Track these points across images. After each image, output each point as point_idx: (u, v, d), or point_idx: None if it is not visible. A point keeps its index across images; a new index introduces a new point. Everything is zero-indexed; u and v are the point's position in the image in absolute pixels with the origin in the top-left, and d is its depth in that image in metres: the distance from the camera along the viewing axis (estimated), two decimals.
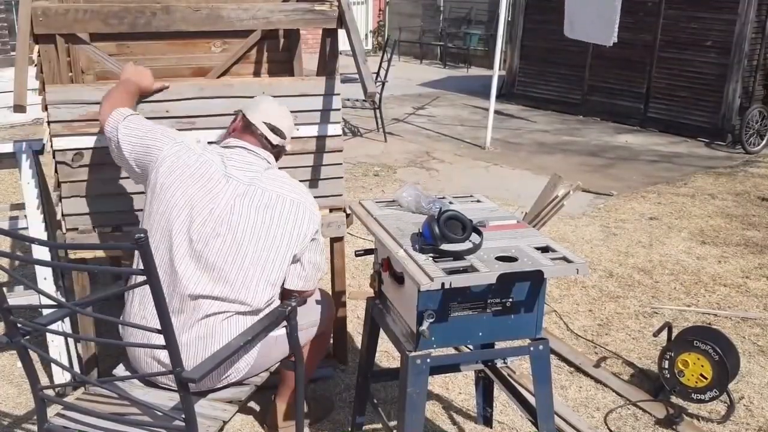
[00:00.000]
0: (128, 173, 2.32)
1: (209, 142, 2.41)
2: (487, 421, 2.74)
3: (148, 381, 2.13)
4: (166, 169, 2.12)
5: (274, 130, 2.27)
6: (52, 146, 2.55)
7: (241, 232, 2.08)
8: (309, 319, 2.38)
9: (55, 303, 2.01)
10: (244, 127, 2.27)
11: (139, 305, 2.08)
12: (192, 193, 2.09)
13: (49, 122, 2.53)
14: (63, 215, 2.59)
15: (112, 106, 2.29)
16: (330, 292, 2.98)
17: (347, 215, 2.85)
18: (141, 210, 2.64)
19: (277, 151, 2.31)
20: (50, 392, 2.18)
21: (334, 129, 2.83)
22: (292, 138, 2.41)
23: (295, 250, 2.16)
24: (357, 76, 2.62)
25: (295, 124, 2.76)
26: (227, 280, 2.06)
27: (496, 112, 7.62)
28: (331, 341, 3.10)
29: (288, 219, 2.14)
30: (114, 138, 2.23)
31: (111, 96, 2.36)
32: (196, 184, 2.10)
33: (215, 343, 2.04)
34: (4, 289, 1.81)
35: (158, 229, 2.07)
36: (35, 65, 2.60)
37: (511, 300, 1.96)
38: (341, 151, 2.86)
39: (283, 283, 2.20)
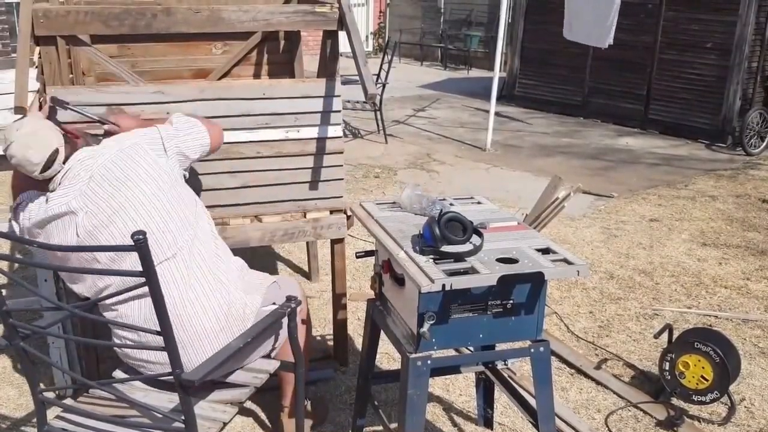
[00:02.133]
0: None
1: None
2: (488, 422, 2.73)
3: (149, 381, 2.12)
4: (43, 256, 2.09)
5: (48, 167, 2.04)
6: None
7: (122, 221, 2.02)
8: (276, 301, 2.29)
9: (55, 305, 2.01)
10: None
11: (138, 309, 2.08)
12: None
13: None
14: None
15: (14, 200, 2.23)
16: (330, 294, 2.98)
17: (348, 217, 2.85)
18: None
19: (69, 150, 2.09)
20: (50, 394, 2.18)
21: (334, 131, 2.83)
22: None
23: (160, 175, 2.10)
24: (357, 77, 2.62)
25: (296, 126, 2.77)
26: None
27: (497, 113, 7.62)
28: (331, 342, 3.10)
29: (133, 168, 2.06)
30: None
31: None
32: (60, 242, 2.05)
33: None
34: (4, 291, 1.81)
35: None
36: (36, 67, 2.60)
37: (511, 302, 1.95)
38: (342, 152, 2.86)
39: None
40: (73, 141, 2.13)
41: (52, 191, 2.08)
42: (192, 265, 2.08)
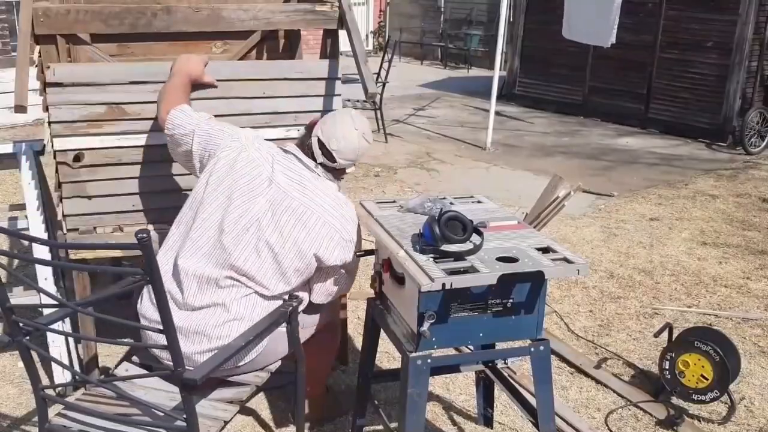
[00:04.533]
0: (185, 167, 2.40)
1: (267, 139, 2.44)
2: (488, 421, 2.74)
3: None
4: (221, 163, 2.21)
5: (323, 148, 2.24)
6: (53, 147, 2.55)
7: (268, 234, 2.14)
8: (312, 316, 2.39)
9: (56, 303, 2.01)
10: (306, 136, 2.30)
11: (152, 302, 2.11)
12: (233, 189, 2.17)
13: (50, 123, 2.53)
14: (64, 216, 2.59)
15: (168, 106, 2.34)
16: None
17: None
18: (141, 210, 2.65)
19: (333, 170, 2.29)
20: (51, 392, 2.18)
21: None
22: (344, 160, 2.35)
23: (311, 261, 2.19)
24: (358, 76, 2.62)
25: (296, 125, 2.77)
26: (247, 274, 2.15)
27: (497, 113, 7.62)
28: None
29: (315, 237, 2.17)
30: (173, 135, 2.32)
31: (164, 94, 2.41)
32: (240, 181, 2.18)
33: (228, 312, 2.13)
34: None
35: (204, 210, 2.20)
36: (36, 66, 2.60)
37: (511, 301, 1.96)
38: None
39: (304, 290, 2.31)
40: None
41: (308, 168, 2.25)
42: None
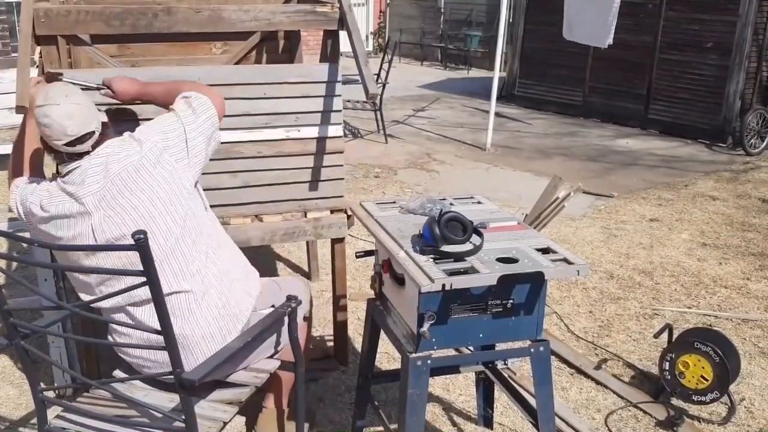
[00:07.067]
0: None
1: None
2: (488, 422, 2.74)
3: (149, 380, 2.12)
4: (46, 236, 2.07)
5: (76, 144, 2.00)
6: None
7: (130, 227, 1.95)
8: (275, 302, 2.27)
9: (55, 304, 2.01)
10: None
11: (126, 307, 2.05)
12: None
13: None
14: None
15: (13, 177, 2.21)
16: (331, 294, 2.98)
17: (348, 217, 2.85)
18: None
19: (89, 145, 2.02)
20: (50, 394, 2.18)
21: (335, 130, 2.83)
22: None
23: (176, 182, 2.02)
24: (358, 77, 2.62)
25: (296, 125, 2.77)
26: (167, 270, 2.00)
27: (497, 113, 7.62)
28: (331, 342, 3.10)
29: (144, 180, 1.98)
30: None
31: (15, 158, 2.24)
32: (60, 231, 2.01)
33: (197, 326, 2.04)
34: (4, 290, 1.81)
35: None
36: (37, 66, 2.60)
37: (511, 301, 1.96)
38: (342, 152, 2.86)
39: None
40: (105, 131, 2.07)
41: (63, 178, 2.01)
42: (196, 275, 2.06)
